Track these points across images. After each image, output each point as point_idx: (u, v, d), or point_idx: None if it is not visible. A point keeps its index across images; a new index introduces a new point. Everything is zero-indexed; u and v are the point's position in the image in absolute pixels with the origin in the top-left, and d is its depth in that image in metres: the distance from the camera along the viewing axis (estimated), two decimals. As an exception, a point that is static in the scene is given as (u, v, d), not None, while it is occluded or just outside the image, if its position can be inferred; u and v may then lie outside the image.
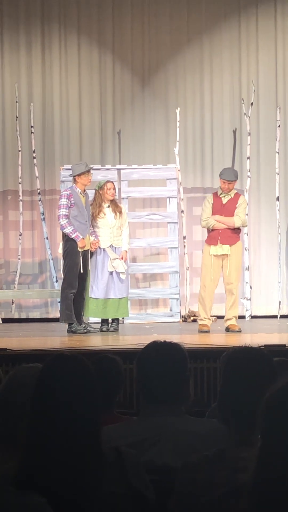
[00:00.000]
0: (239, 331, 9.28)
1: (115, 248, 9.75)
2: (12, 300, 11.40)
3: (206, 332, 9.27)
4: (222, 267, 9.40)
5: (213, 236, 9.43)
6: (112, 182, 9.86)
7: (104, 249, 9.71)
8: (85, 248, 9.56)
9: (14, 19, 11.76)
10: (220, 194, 9.51)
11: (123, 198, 10.83)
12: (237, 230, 9.51)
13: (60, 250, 9.71)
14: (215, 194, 9.59)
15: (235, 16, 11.91)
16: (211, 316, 9.55)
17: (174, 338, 8.49)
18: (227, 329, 9.38)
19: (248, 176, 11.41)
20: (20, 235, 11.49)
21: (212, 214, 9.44)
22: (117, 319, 9.87)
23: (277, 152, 11.47)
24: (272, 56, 11.83)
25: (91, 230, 9.68)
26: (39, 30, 11.78)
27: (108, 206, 9.76)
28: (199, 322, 9.47)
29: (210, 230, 9.46)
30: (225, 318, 9.49)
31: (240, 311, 11.29)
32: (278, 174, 11.47)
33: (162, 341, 3.21)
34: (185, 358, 3.17)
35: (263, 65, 11.84)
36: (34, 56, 11.79)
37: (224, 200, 9.49)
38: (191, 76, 11.87)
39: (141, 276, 11.45)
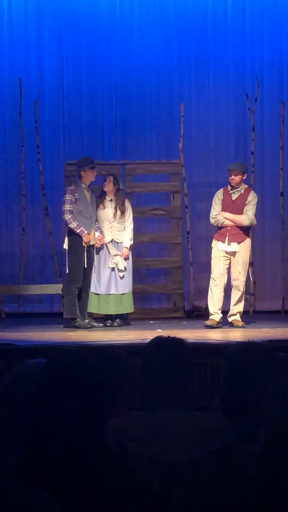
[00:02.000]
0: (243, 327, 9.29)
1: (117, 243, 9.75)
2: (19, 295, 11.39)
3: (211, 327, 9.21)
4: (230, 263, 9.42)
5: (222, 233, 9.46)
6: (111, 175, 9.85)
7: (106, 244, 9.72)
8: (90, 244, 9.57)
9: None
10: (230, 189, 9.52)
11: (127, 193, 10.83)
12: (245, 227, 9.52)
13: (65, 246, 9.71)
14: (225, 190, 9.59)
15: (239, 10, 11.91)
16: (219, 310, 9.45)
17: (178, 334, 8.50)
18: (231, 324, 9.40)
19: (252, 171, 11.39)
20: (23, 230, 11.48)
21: (221, 210, 9.45)
22: (121, 314, 9.86)
23: (281, 147, 11.45)
24: (277, 51, 11.82)
25: (97, 225, 9.69)
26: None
27: (111, 200, 9.76)
28: (210, 317, 9.45)
29: (219, 227, 9.48)
30: (229, 313, 9.49)
31: (244, 306, 11.30)
32: (282, 169, 11.45)
33: (166, 336, 3.21)
34: (189, 354, 3.18)
35: (267, 60, 11.83)
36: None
37: (234, 197, 9.49)
38: (196, 71, 11.86)
39: (144, 272, 11.44)
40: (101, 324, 9.71)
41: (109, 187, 9.75)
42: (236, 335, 8.68)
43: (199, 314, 10.50)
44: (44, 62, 11.90)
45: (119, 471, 2.40)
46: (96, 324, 9.67)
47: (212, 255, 9.53)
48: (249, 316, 10.87)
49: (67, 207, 9.53)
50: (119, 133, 11.91)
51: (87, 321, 9.61)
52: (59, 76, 11.91)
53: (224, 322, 9.52)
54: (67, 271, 9.70)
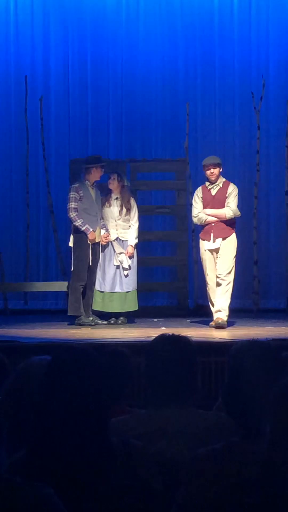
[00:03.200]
0: (223, 327, 8.99)
1: (122, 241, 9.76)
2: (25, 292, 11.40)
3: (213, 327, 9.09)
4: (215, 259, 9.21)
5: (207, 230, 9.25)
6: (115, 173, 9.84)
7: (111, 242, 9.73)
8: (95, 241, 9.57)
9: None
10: (208, 185, 9.31)
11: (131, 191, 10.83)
12: (230, 222, 9.27)
13: (70, 243, 9.72)
14: (204, 187, 9.37)
15: (245, 9, 11.91)
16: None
17: (182, 332, 8.49)
18: (213, 322, 9.14)
19: (258, 170, 11.38)
20: (28, 227, 11.48)
21: (203, 208, 9.25)
22: (126, 312, 9.86)
23: (286, 146, 11.44)
24: (283, 50, 11.81)
25: (102, 222, 9.69)
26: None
27: (117, 198, 9.76)
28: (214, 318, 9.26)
29: (203, 225, 9.28)
30: (214, 310, 9.24)
31: (248, 305, 11.30)
32: (287, 168, 11.44)
33: (171, 334, 3.21)
34: (194, 351, 3.18)
35: (273, 59, 11.82)
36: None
37: (213, 192, 9.28)
38: (201, 69, 11.86)
39: (149, 269, 11.44)
40: (105, 322, 9.71)
41: (113, 184, 9.75)
42: (241, 333, 8.67)
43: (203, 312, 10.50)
44: (49, 60, 11.91)
45: (123, 468, 2.41)
46: (100, 321, 9.67)
47: (201, 256, 9.35)
48: (254, 315, 10.85)
49: (72, 204, 9.54)
50: (124, 130, 11.91)
51: (91, 318, 9.61)
52: (65, 73, 11.92)
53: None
54: (72, 269, 9.71)
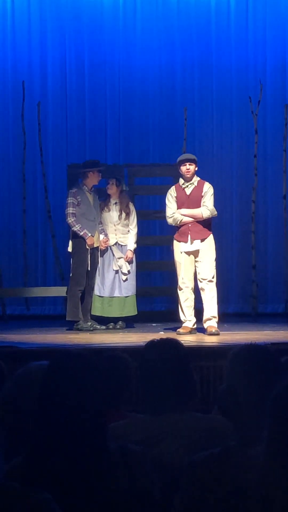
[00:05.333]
0: (217, 334, 8.75)
1: (121, 246, 9.76)
2: (26, 297, 11.39)
3: (183, 334, 8.66)
4: (195, 263, 8.92)
5: (183, 231, 8.91)
6: (114, 178, 9.84)
7: (110, 247, 9.73)
8: (94, 246, 9.57)
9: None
10: (183, 184, 9.01)
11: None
12: (207, 222, 8.97)
13: (69, 249, 9.72)
14: (178, 186, 9.06)
15: (242, 13, 11.93)
16: (190, 316, 8.98)
17: (181, 337, 8.49)
18: (206, 331, 8.88)
19: (255, 174, 11.39)
20: (24, 232, 11.46)
21: (177, 208, 8.95)
22: (124, 317, 9.86)
23: (284, 150, 11.45)
24: (280, 54, 11.83)
25: (101, 227, 9.69)
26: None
27: (116, 203, 9.77)
28: (183, 324, 8.95)
29: (179, 226, 8.97)
30: (203, 319, 8.98)
31: (246, 309, 11.30)
32: (285, 172, 11.45)
33: (159, 339, 3.22)
34: (185, 354, 3.18)
35: (270, 63, 11.84)
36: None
37: (188, 191, 8.98)
38: (199, 74, 11.88)
39: (147, 274, 11.44)
40: (104, 327, 9.71)
41: (112, 189, 9.76)
42: (240, 338, 8.66)
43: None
44: (47, 65, 11.92)
45: (121, 473, 2.41)
46: (98, 326, 9.67)
47: (175, 259, 9.00)
48: (252, 319, 10.85)
49: (70, 210, 9.54)
50: (122, 135, 11.92)
51: (89, 323, 9.61)
52: (62, 78, 11.93)
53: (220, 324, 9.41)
54: (70, 274, 9.71)
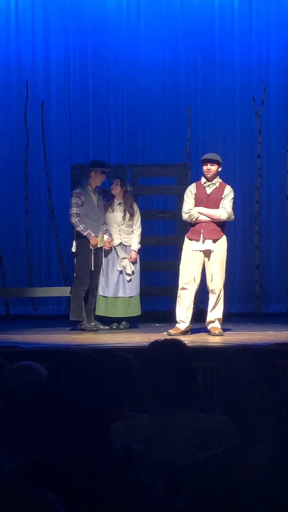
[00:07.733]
0: (221, 335, 8.72)
1: (126, 246, 9.76)
2: (33, 297, 11.40)
3: (174, 336, 8.31)
4: (204, 264, 8.84)
5: (196, 230, 8.82)
6: (118, 178, 9.84)
7: (114, 247, 9.73)
8: (98, 246, 9.57)
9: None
10: (204, 183, 8.92)
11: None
12: (221, 224, 8.90)
13: (73, 249, 9.73)
14: (199, 184, 8.98)
15: (246, 12, 11.92)
16: (187, 319, 8.89)
17: (184, 337, 8.48)
18: (209, 332, 8.85)
19: (259, 175, 11.38)
20: (27, 232, 11.46)
21: (195, 206, 8.86)
22: (128, 317, 9.85)
23: (287, 150, 11.43)
24: (284, 54, 11.82)
25: (105, 227, 9.69)
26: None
27: (120, 204, 9.77)
28: (176, 325, 8.87)
29: (193, 223, 8.88)
30: (207, 320, 8.97)
31: (250, 309, 11.29)
32: (289, 172, 11.45)
33: (163, 339, 3.24)
34: (188, 354, 3.18)
35: (274, 63, 11.83)
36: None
37: (209, 190, 8.89)
38: (202, 74, 11.88)
39: (151, 274, 11.44)
40: (107, 327, 9.71)
41: (116, 189, 9.76)
42: (243, 338, 8.66)
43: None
44: (50, 65, 11.92)
45: (124, 473, 2.41)
46: (102, 326, 9.67)
47: (182, 259, 8.90)
48: (255, 319, 10.85)
49: (74, 210, 9.54)
50: (126, 136, 11.91)
51: (93, 323, 9.61)
52: (66, 78, 11.92)
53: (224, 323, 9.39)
54: (74, 274, 9.72)
